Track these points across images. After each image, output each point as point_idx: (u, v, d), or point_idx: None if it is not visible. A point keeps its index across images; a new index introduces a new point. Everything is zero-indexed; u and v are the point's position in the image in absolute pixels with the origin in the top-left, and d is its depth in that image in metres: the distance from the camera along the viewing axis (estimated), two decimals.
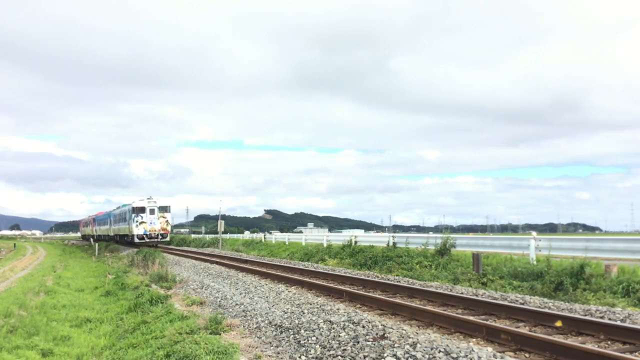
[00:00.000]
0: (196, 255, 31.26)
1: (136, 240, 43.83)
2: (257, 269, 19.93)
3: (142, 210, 44.08)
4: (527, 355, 6.64)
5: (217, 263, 24.11)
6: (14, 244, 71.74)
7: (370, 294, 11.64)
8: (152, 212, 44.31)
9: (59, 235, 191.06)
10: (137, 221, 43.79)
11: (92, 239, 70.87)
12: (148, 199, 44.99)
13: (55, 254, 47.20)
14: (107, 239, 61.36)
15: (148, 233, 43.85)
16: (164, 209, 45.04)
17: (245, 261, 25.67)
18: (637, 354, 6.71)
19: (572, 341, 7.18)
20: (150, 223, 44.12)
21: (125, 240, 48.35)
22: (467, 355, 6.19)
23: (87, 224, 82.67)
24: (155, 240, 44.42)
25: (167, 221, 45.13)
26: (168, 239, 48.09)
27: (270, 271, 18.22)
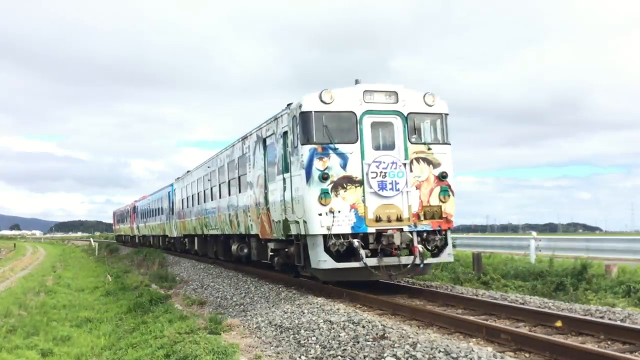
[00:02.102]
0: (196, 255, 31.14)
1: (323, 263, 10.23)
2: (257, 269, 19.86)
3: (348, 121, 10.76)
4: (527, 355, 6.63)
5: (216, 263, 24.05)
6: (14, 244, 71.68)
7: (370, 294, 11.61)
8: (385, 132, 11.05)
9: (59, 235, 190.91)
10: (316, 175, 10.33)
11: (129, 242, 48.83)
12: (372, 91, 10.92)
13: (55, 254, 47.14)
14: (165, 245, 32.27)
15: (384, 234, 10.45)
16: (433, 128, 11.41)
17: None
18: (637, 354, 6.70)
19: (572, 341, 7.17)
20: (381, 184, 10.62)
21: (244, 254, 16.09)
22: (467, 355, 6.19)
23: (124, 217, 52.44)
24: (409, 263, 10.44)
25: (442, 179, 10.98)
26: (449, 256, 11.19)
27: (270, 271, 18.16)
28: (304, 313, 9.82)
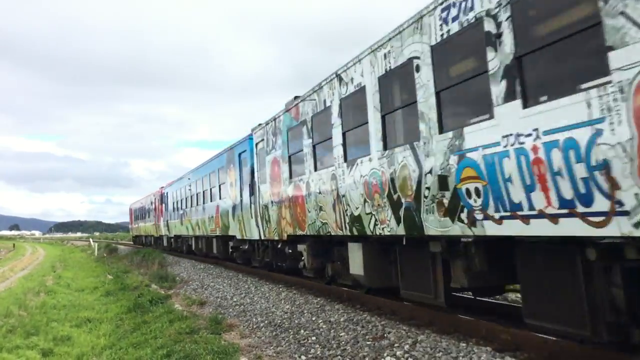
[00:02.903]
0: (196, 255, 31.18)
1: None
2: (257, 269, 19.91)
3: None
4: (526, 355, 6.65)
5: (216, 263, 24.11)
6: (14, 244, 71.78)
7: (369, 294, 11.64)
8: None
9: (58, 235, 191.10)
10: None
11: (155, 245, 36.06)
12: None
13: (55, 254, 47.17)
14: (226, 254, 19.90)
15: None
16: None
17: None
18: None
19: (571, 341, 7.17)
20: None
21: None
22: (466, 355, 6.22)
23: (144, 212, 40.49)
24: None
25: None
26: None
27: (270, 271, 18.20)
28: (303, 313, 9.86)
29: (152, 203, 36.84)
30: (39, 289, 17.01)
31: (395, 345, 7.01)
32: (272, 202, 13.67)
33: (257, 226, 14.97)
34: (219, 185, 19.40)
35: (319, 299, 11.14)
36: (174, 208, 29.06)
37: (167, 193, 31.23)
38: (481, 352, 6.26)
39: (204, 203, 22.05)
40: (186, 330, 9.02)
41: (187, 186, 25.29)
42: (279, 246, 13.98)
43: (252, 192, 15.32)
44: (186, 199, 25.57)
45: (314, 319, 9.29)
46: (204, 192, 22.09)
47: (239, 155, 16.74)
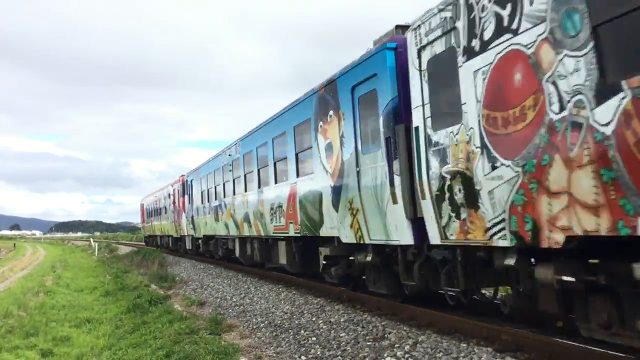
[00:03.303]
0: (195, 255, 31.14)
1: None
2: (257, 269, 19.89)
3: None
4: (527, 355, 6.62)
5: (216, 263, 24.09)
6: (14, 244, 71.84)
7: (369, 295, 11.61)
8: None
9: (59, 235, 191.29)
10: None
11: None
12: None
13: (55, 254, 47.16)
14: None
15: None
16: None
17: None
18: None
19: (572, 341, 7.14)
20: None
21: None
22: (467, 356, 6.18)
23: (160, 208, 33.85)
24: None
25: None
26: None
27: (270, 271, 18.17)
28: (303, 313, 9.83)
29: (170, 196, 29.81)
30: (38, 289, 17.01)
31: (396, 345, 6.98)
32: (485, 164, 6.26)
33: (418, 219, 7.73)
34: (297, 154, 12.04)
35: (319, 299, 11.11)
36: (203, 199, 21.96)
37: (191, 182, 24.64)
38: (482, 352, 6.23)
39: (259, 187, 14.55)
40: (186, 331, 8.99)
41: (228, 165, 17.95)
42: (505, 261, 6.34)
43: (392, 155, 8.19)
44: (225, 184, 18.48)
45: (314, 319, 9.26)
46: (259, 170, 14.61)
47: (352, 90, 9.32)
